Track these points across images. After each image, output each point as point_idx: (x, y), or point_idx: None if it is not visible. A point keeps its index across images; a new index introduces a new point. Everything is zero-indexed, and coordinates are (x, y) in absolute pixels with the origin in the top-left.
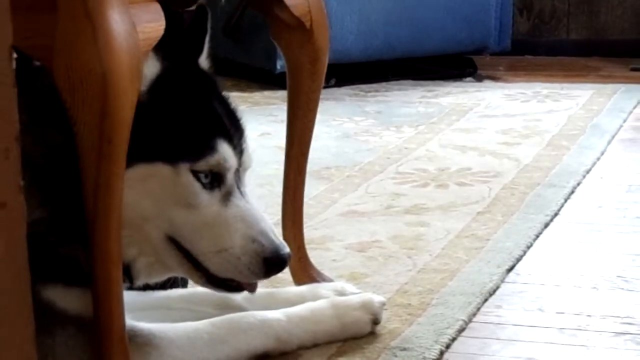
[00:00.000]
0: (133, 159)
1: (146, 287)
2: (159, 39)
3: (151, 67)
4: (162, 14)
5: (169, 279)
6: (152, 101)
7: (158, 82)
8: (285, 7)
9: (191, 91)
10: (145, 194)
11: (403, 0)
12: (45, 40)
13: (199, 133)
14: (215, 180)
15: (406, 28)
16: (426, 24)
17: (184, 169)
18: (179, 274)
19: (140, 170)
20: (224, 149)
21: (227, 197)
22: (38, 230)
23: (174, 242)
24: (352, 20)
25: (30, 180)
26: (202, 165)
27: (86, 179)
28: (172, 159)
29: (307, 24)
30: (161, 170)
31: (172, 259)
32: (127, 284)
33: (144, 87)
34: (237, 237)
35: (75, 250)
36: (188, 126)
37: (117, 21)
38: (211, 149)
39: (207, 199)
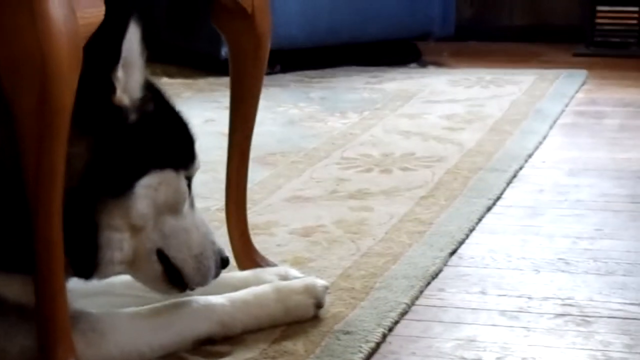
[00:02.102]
0: (149, 166)
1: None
2: (98, 24)
3: (142, 73)
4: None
5: None
6: (156, 111)
7: (151, 88)
8: None
9: (166, 96)
10: (152, 202)
11: None
12: None
13: (187, 140)
14: (188, 186)
15: (350, 14)
16: (370, 10)
17: (182, 175)
18: (146, 283)
19: (156, 178)
20: (198, 155)
21: (191, 202)
22: None
23: (160, 256)
24: (297, 5)
25: None
26: (192, 171)
27: (27, 165)
28: (176, 166)
29: (249, 10)
30: (169, 176)
31: (152, 271)
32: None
33: (142, 94)
34: (206, 241)
35: (17, 237)
36: (181, 134)
37: (55, 6)
38: (194, 155)
39: (186, 205)
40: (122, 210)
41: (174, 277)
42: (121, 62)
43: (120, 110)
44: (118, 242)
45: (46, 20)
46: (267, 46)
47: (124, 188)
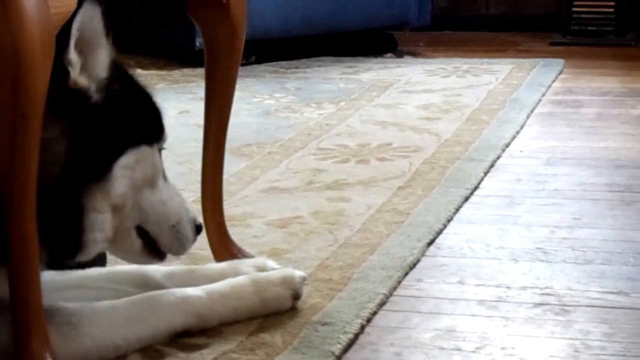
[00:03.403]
0: (125, 145)
1: (64, 267)
2: (70, 13)
3: (108, 52)
4: None
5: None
6: (123, 89)
7: (118, 68)
8: None
9: (130, 72)
10: (131, 180)
11: None
12: None
13: (156, 114)
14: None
15: (326, 3)
16: (346, 0)
17: (156, 148)
18: (126, 257)
19: (132, 156)
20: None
21: (163, 174)
22: None
23: (139, 231)
24: None
25: None
26: (162, 143)
27: (1, 155)
28: (150, 141)
29: (224, 0)
30: (145, 153)
31: (133, 246)
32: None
33: (108, 72)
34: (182, 210)
35: None
36: (149, 109)
37: None
38: (163, 127)
39: (161, 177)
40: (103, 192)
41: (154, 248)
42: (72, 43)
43: (80, 92)
44: (100, 222)
45: (18, 10)
46: (242, 36)
47: (103, 170)
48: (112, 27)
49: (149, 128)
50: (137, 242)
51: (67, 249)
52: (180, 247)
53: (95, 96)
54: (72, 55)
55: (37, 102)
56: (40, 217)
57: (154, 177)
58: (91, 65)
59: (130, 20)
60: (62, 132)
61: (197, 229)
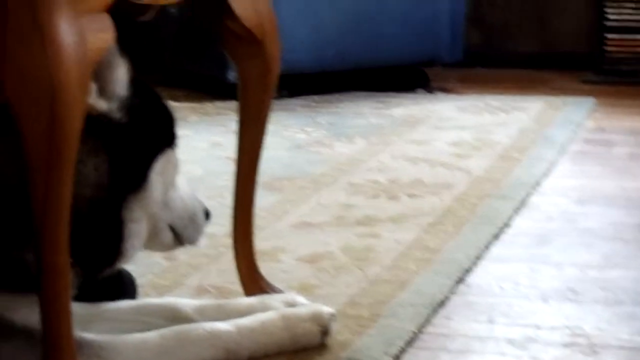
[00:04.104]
0: (153, 153)
1: (95, 299)
2: (108, 49)
3: (126, 70)
4: (111, 24)
5: (118, 293)
6: (140, 98)
7: (136, 81)
8: (236, 18)
9: (141, 81)
10: (162, 185)
11: (355, 11)
12: None
13: (172, 117)
14: None
15: (358, 39)
16: (378, 36)
17: (175, 149)
18: (154, 249)
19: (161, 163)
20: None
21: None
22: None
23: (171, 229)
24: (304, 31)
25: None
26: (177, 143)
27: (34, 189)
28: (170, 144)
29: (259, 36)
30: (170, 155)
31: (167, 241)
32: (74, 292)
33: (129, 89)
34: (194, 201)
35: (26, 255)
36: (165, 113)
37: (66, 31)
38: (177, 128)
39: None
40: (140, 202)
41: (179, 240)
42: None
43: (103, 115)
44: (138, 231)
45: (56, 47)
46: (276, 72)
47: (140, 180)
48: (127, 45)
49: (168, 131)
50: (168, 237)
51: (106, 260)
52: (197, 236)
53: (118, 115)
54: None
55: (72, 138)
56: (75, 234)
57: (174, 177)
58: (109, 86)
59: (164, 53)
60: (93, 152)
61: (207, 216)
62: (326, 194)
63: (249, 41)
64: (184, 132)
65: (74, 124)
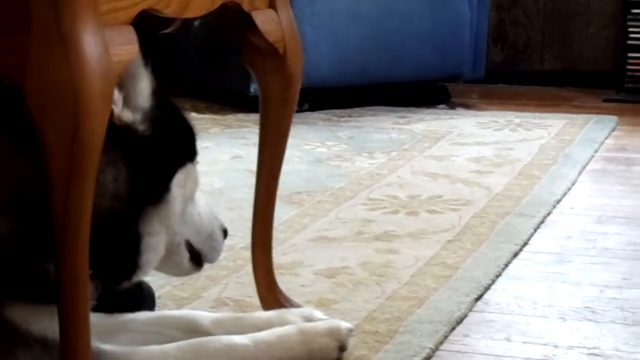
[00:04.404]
0: (174, 167)
1: (113, 310)
2: (131, 62)
3: (149, 81)
4: (135, 37)
5: (137, 304)
6: (162, 111)
7: (159, 94)
8: (259, 33)
9: (164, 94)
10: (182, 199)
11: (378, 27)
12: (18, 60)
13: (192, 131)
14: None
15: (381, 55)
16: (401, 52)
17: (196, 164)
18: (171, 270)
19: (181, 176)
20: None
21: None
22: (8, 244)
23: (186, 244)
24: (327, 45)
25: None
26: (199, 158)
27: (55, 200)
28: (191, 158)
29: (281, 50)
30: (190, 170)
31: (181, 259)
32: (93, 303)
33: (151, 101)
34: (213, 218)
35: (47, 265)
36: (186, 127)
37: (90, 43)
38: (197, 142)
39: None
40: (159, 215)
41: (197, 259)
42: None
43: (127, 126)
44: (156, 244)
45: (80, 58)
46: (298, 87)
47: (160, 193)
48: (150, 56)
49: (189, 146)
50: (185, 256)
51: (123, 272)
52: (216, 255)
53: (142, 127)
54: (114, 91)
55: (94, 151)
56: (93, 245)
57: (193, 192)
58: (133, 98)
59: (187, 64)
60: (114, 163)
61: (225, 234)
62: (345, 208)
63: (271, 56)
64: (205, 144)
65: (96, 136)
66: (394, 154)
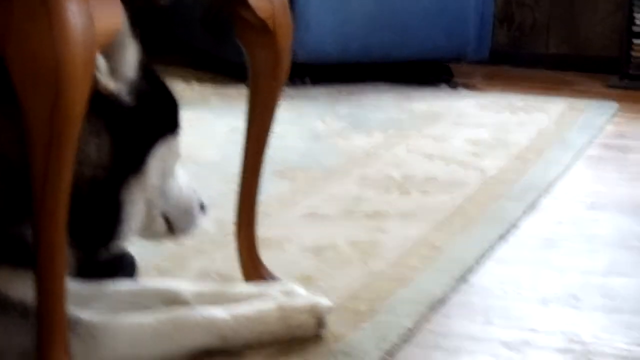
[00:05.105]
0: (154, 138)
1: (94, 278)
2: (117, 32)
3: (136, 52)
4: (121, 8)
5: (118, 273)
6: (148, 82)
7: (145, 66)
8: (249, 8)
9: (150, 65)
10: (161, 171)
11: (383, 3)
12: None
13: (176, 104)
14: None
15: (385, 32)
16: (405, 29)
17: (177, 137)
18: (146, 238)
19: (162, 148)
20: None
21: None
22: None
23: (165, 217)
24: (331, 21)
25: None
26: (179, 131)
27: (35, 166)
28: (173, 130)
29: (271, 26)
30: (171, 142)
31: (158, 230)
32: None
33: (137, 72)
34: (191, 193)
35: (25, 230)
36: (171, 100)
37: (74, 13)
38: (180, 117)
39: None
40: (139, 184)
41: (171, 230)
42: None
43: (112, 96)
44: (135, 214)
45: (64, 28)
46: (287, 62)
47: (139, 163)
48: (138, 27)
49: (172, 119)
50: (162, 226)
51: (101, 240)
52: (191, 228)
53: (127, 97)
54: (99, 60)
55: (75, 118)
56: (73, 213)
57: (173, 165)
58: (120, 68)
59: (191, 35)
60: (97, 132)
61: (203, 210)
62: (338, 185)
63: (261, 31)
64: (203, 115)
65: (77, 105)
66: (391, 132)
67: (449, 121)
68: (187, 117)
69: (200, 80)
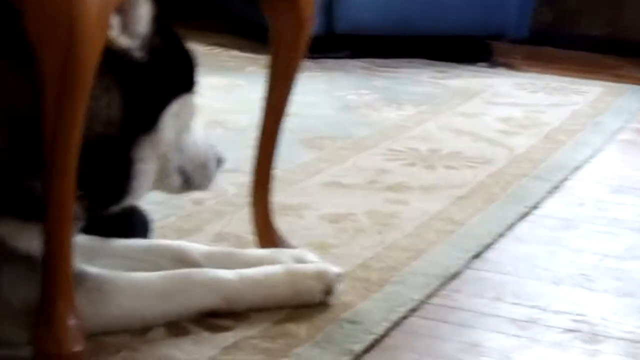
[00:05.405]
0: (169, 96)
1: (107, 235)
2: None
3: (149, 8)
4: None
5: (130, 231)
6: (163, 40)
7: (159, 21)
8: None
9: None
10: (175, 128)
11: None
12: None
13: (193, 62)
14: None
15: (425, 5)
16: (445, 4)
17: (194, 95)
18: (163, 190)
19: (176, 106)
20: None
21: None
22: None
23: (179, 170)
24: None
25: None
26: (196, 89)
27: (47, 120)
28: (189, 88)
29: None
30: (187, 100)
31: (174, 184)
32: (81, 223)
33: (150, 28)
34: (208, 147)
35: (35, 183)
36: (187, 58)
37: None
38: (196, 74)
39: None
40: (152, 142)
41: (188, 184)
42: None
43: (124, 51)
44: (147, 171)
45: None
46: (308, 30)
47: (152, 122)
48: None
49: (188, 76)
50: (177, 181)
51: (113, 196)
52: (207, 182)
53: (139, 53)
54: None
55: (87, 72)
56: (84, 168)
57: (190, 121)
58: (131, 23)
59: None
60: (109, 89)
61: (220, 163)
62: (364, 157)
63: None
64: (238, 82)
65: (90, 60)
66: (423, 107)
67: (482, 99)
68: (222, 83)
69: (238, 47)
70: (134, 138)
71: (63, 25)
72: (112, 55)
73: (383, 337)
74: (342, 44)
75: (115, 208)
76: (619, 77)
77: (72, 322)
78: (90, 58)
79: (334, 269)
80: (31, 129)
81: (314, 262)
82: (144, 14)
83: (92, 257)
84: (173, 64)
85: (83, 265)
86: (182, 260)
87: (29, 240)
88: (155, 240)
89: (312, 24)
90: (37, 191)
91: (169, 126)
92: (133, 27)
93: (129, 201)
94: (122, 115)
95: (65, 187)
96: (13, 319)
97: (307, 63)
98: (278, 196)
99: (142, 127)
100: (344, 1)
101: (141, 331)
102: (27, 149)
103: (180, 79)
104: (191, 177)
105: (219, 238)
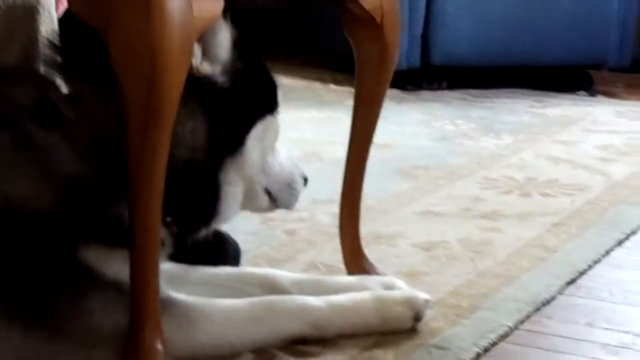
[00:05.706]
0: (253, 119)
1: (196, 263)
2: (214, 18)
3: (229, 33)
4: None
5: (220, 259)
6: (244, 64)
7: (241, 46)
8: (356, 0)
9: (246, 47)
10: (260, 150)
11: (522, 7)
12: (103, 11)
13: (274, 84)
14: None
15: (523, 36)
16: (543, 34)
17: (277, 116)
18: (250, 210)
19: (260, 128)
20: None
21: None
22: (86, 187)
23: (267, 192)
24: (468, 24)
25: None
26: (279, 110)
27: (131, 148)
28: (272, 110)
29: (378, 19)
30: (270, 121)
31: (261, 204)
32: (169, 250)
33: (231, 54)
34: (294, 167)
35: (121, 210)
36: (268, 79)
37: (173, 3)
38: (278, 96)
39: None
40: (237, 165)
41: (273, 203)
42: None
43: (206, 78)
44: (234, 193)
45: (161, 12)
46: (394, 56)
47: (237, 145)
48: (229, 6)
49: (270, 98)
50: (264, 201)
51: (201, 221)
52: (294, 200)
53: (221, 79)
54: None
55: (170, 102)
56: (172, 194)
57: (273, 143)
58: (213, 50)
59: (323, 36)
60: (193, 114)
61: (305, 182)
62: (459, 185)
63: (368, 24)
64: (337, 115)
65: (173, 89)
66: (521, 136)
67: (581, 127)
68: (321, 116)
69: (337, 81)
70: (220, 161)
71: (145, 54)
72: (196, 82)
73: None
74: (439, 75)
75: (204, 233)
76: None
77: (159, 348)
78: (174, 86)
79: (422, 295)
80: (117, 155)
81: (403, 289)
82: (224, 40)
83: (179, 284)
84: (255, 87)
85: (169, 291)
86: (270, 287)
87: (117, 267)
88: (242, 268)
89: (397, 50)
90: (124, 217)
91: (254, 148)
92: (214, 53)
93: (217, 224)
94: (208, 139)
95: (150, 214)
96: (103, 344)
97: (404, 95)
98: (372, 225)
99: (228, 150)
100: (440, 34)
101: (229, 358)
102: (113, 175)
103: (263, 101)
104: (278, 197)
105: (311, 267)
